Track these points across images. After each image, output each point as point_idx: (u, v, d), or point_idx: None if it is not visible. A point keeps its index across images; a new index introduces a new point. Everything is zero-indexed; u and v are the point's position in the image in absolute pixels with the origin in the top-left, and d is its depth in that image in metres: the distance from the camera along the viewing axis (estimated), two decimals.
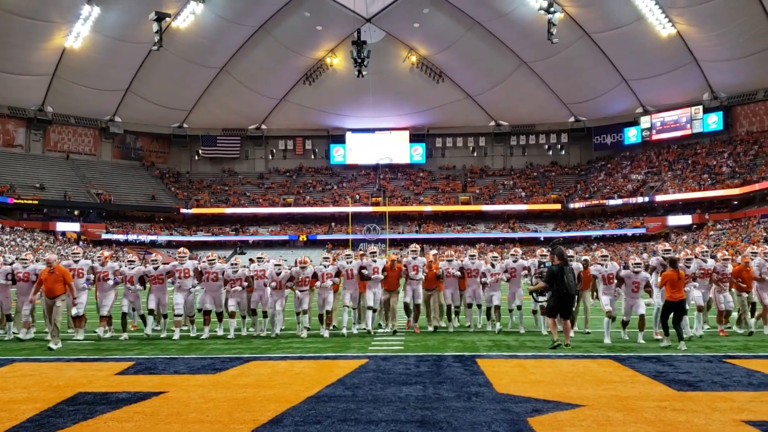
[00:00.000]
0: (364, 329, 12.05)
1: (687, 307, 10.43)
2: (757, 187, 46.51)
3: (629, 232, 54.46)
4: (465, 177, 66.71)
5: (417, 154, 67.99)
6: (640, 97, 58.20)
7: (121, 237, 56.55)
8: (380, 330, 12.18)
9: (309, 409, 5.97)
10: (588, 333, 11.63)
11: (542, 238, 56.37)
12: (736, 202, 50.27)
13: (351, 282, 11.87)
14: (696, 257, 11.59)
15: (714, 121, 55.52)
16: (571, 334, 10.18)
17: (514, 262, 12.25)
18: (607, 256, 11.61)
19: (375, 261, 12.07)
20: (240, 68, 58.32)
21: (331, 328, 11.84)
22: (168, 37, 48.87)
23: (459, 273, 12.25)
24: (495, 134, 66.81)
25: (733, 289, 11.87)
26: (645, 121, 60.06)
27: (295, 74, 61.41)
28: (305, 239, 59.19)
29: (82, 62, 52.03)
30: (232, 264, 12.12)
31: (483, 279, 12.16)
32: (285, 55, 57.74)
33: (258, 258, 12.47)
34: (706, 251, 12.02)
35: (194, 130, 66.22)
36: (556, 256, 10.02)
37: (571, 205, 59.31)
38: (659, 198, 53.69)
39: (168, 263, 12.47)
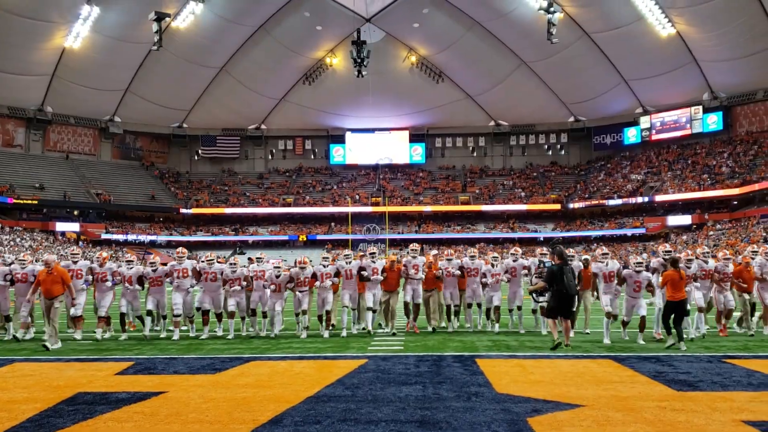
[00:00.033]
0: (364, 329, 12.05)
1: (688, 307, 10.42)
2: (756, 187, 46.54)
3: (629, 232, 54.48)
4: (465, 177, 66.71)
5: (417, 154, 68.00)
6: (639, 97, 58.21)
7: (120, 237, 56.53)
8: (380, 330, 12.17)
9: (309, 409, 5.97)
10: (587, 333, 11.61)
11: (542, 238, 56.37)
12: (735, 202, 50.30)
13: (350, 282, 11.84)
14: (697, 258, 11.53)
15: (714, 121, 55.54)
16: (571, 334, 10.15)
17: (514, 261, 12.23)
18: (607, 254, 11.54)
19: (374, 262, 12.03)
20: (240, 68, 58.31)
21: (331, 328, 11.83)
22: (167, 37, 48.86)
23: (459, 272, 12.21)
24: (495, 134, 66.82)
25: (734, 290, 11.83)
26: (645, 121, 60.07)
27: (295, 74, 61.41)
28: (305, 239, 59.19)
29: (82, 62, 52.02)
30: (231, 264, 12.10)
31: (483, 279, 12.12)
32: (285, 55, 57.73)
33: (257, 258, 12.46)
34: (708, 252, 11.97)
35: (194, 130, 66.21)
36: (555, 255, 9.97)
37: (571, 205, 59.33)
38: (659, 198, 53.71)
39: (166, 264, 12.44)
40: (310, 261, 12.34)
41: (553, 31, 44.45)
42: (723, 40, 47.08)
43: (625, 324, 10.97)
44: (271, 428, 5.37)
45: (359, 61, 47.88)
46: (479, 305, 12.35)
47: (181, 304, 11.74)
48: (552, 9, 43.92)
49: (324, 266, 11.83)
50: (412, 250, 12.40)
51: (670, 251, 10.97)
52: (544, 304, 10.84)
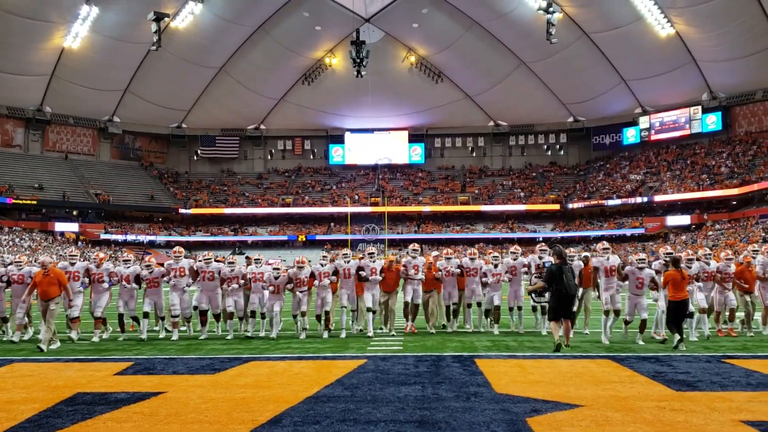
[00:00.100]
0: (361, 330, 12.03)
1: (691, 308, 10.40)
2: (755, 187, 46.58)
3: (628, 232, 54.49)
4: (464, 177, 66.72)
5: (416, 154, 68.01)
6: (639, 98, 58.24)
7: (119, 237, 56.50)
8: (379, 330, 12.16)
9: (308, 410, 5.97)
10: (587, 334, 11.59)
11: (541, 239, 56.34)
12: (734, 203, 50.33)
13: (348, 282, 11.79)
14: (699, 260, 11.47)
15: (713, 122, 55.58)
16: (571, 334, 10.14)
17: (514, 260, 12.18)
18: (609, 248, 11.41)
19: (373, 261, 11.97)
20: (239, 68, 58.30)
21: (330, 329, 11.82)
22: (167, 37, 48.82)
23: (458, 270, 12.18)
24: (494, 134, 66.84)
25: (736, 290, 11.79)
26: (644, 122, 60.11)
27: (294, 74, 61.41)
28: (304, 239, 59.18)
29: (81, 62, 52.00)
30: (229, 262, 12.07)
31: (484, 279, 12.05)
32: (284, 55, 57.73)
33: (255, 260, 12.40)
34: (709, 254, 11.88)
35: (193, 131, 66.20)
36: (555, 255, 9.94)
37: (570, 206, 59.36)
38: (658, 198, 53.74)
39: (163, 264, 12.37)
40: (309, 261, 12.30)
41: (552, 31, 44.44)
42: (722, 40, 47.12)
43: (626, 323, 10.92)
44: (270, 428, 5.37)
45: (358, 61, 47.85)
46: (479, 304, 12.27)
47: (179, 304, 11.72)
48: (551, 9, 43.91)
49: (322, 265, 11.81)
50: (413, 250, 12.34)
51: (671, 252, 10.90)
52: (545, 304, 10.81)
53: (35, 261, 13.89)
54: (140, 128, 64.35)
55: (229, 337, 11.58)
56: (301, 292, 11.70)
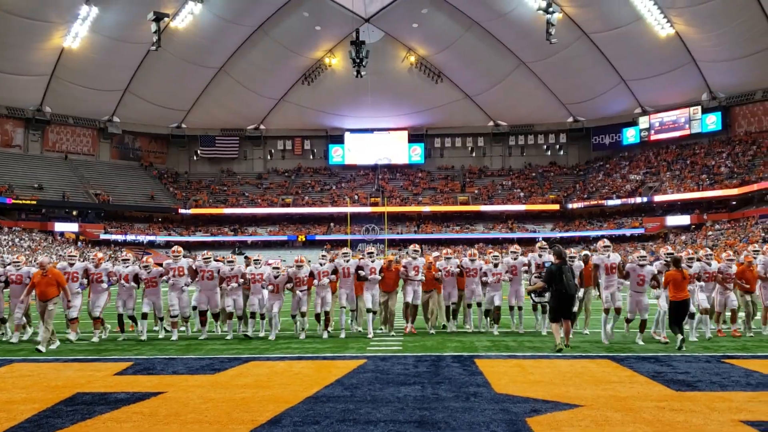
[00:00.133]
0: (362, 331, 12.02)
1: (693, 309, 10.37)
2: (755, 187, 46.59)
3: (628, 232, 54.50)
4: (463, 177, 66.74)
5: (415, 154, 68.02)
6: (638, 98, 58.26)
7: (119, 237, 56.49)
8: (379, 331, 12.15)
9: (307, 410, 5.97)
10: (586, 334, 11.58)
11: (540, 239, 56.32)
12: (734, 203, 50.35)
13: (347, 281, 11.73)
14: (700, 260, 11.43)
15: (712, 122, 55.60)
16: (570, 335, 10.12)
17: (514, 260, 12.14)
18: (609, 246, 11.27)
19: (373, 261, 11.93)
20: (238, 68, 58.31)
21: (330, 329, 11.81)
22: (166, 37, 48.81)
23: (457, 270, 12.14)
24: (493, 134, 66.85)
25: (737, 290, 11.77)
26: (643, 122, 60.13)
27: (294, 74, 61.41)
28: (304, 239, 59.19)
29: (81, 62, 52.00)
30: (228, 261, 12.05)
31: (484, 278, 12.00)
32: (283, 55, 57.74)
33: (255, 260, 12.36)
34: (710, 254, 11.83)
35: (193, 131, 66.20)
36: (554, 255, 9.91)
37: (570, 206, 59.38)
38: (658, 198, 53.76)
39: (161, 264, 12.32)
40: (308, 261, 12.27)
41: (552, 32, 44.46)
42: (722, 40, 47.14)
43: (628, 321, 10.86)
44: (270, 428, 5.37)
45: (358, 61, 47.85)
46: (479, 304, 12.22)
47: (177, 304, 11.70)
48: (551, 9, 43.93)
49: (321, 264, 11.78)
50: (414, 251, 12.29)
51: (672, 252, 10.85)
52: (545, 303, 10.77)
53: (34, 261, 13.87)
54: (140, 128, 64.36)
55: (228, 337, 11.57)
56: (301, 291, 11.66)
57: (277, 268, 11.83)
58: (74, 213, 56.75)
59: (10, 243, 45.97)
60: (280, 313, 11.86)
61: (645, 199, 54.62)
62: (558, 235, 56.45)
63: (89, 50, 50.99)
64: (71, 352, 10.07)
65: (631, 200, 55.59)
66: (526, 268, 12.04)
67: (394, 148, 67.76)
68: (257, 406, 6.12)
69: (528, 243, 52.88)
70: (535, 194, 62.05)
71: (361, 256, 12.31)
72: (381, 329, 12.14)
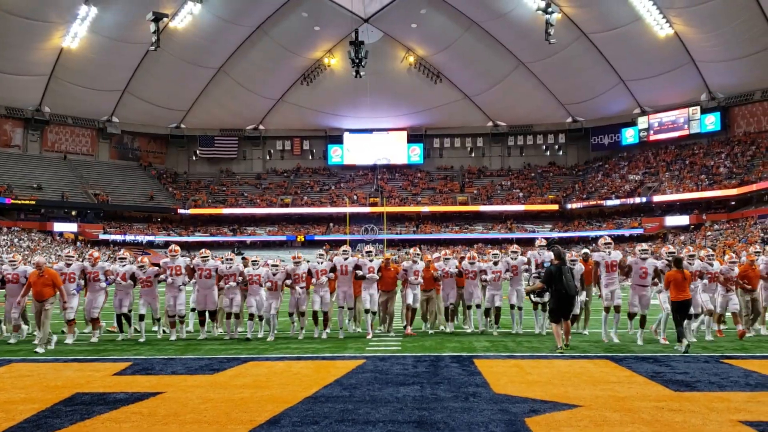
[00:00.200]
0: (360, 331, 12.00)
1: (697, 310, 10.34)
2: (754, 187, 46.63)
3: (627, 232, 54.50)
4: (463, 177, 66.76)
5: (415, 154, 68.04)
6: (637, 98, 58.30)
7: (118, 237, 56.45)
8: (378, 331, 12.14)
9: (306, 410, 5.97)
10: (586, 334, 11.56)
11: (540, 238, 56.34)
12: (733, 203, 50.38)
13: (345, 279, 11.63)
14: (701, 260, 11.39)
15: (711, 122, 55.65)
16: (570, 335, 10.10)
17: (514, 260, 12.11)
18: (610, 243, 11.20)
19: (371, 260, 11.86)
20: (238, 69, 58.32)
21: (328, 330, 11.79)
22: (165, 37, 48.81)
23: (455, 270, 12.12)
24: (493, 135, 66.87)
25: (739, 290, 11.75)
26: (642, 122, 60.17)
27: (293, 75, 61.43)
28: (303, 240, 59.15)
29: (80, 62, 51.99)
30: (226, 259, 12.02)
31: (484, 276, 11.94)
32: (282, 55, 57.75)
33: (253, 261, 12.27)
34: (712, 255, 11.78)
35: (192, 131, 66.20)
36: (553, 255, 9.89)
37: (569, 206, 59.41)
38: (657, 198, 53.79)
39: (158, 264, 12.25)
40: (308, 262, 12.23)
41: (551, 32, 44.50)
42: (721, 40, 47.18)
43: (631, 316, 10.69)
44: (269, 429, 5.37)
45: (357, 61, 47.89)
46: (478, 306, 12.16)
47: (174, 304, 11.66)
48: (550, 9, 43.98)
49: (319, 263, 11.73)
50: (415, 254, 12.25)
51: (674, 252, 10.81)
52: (545, 302, 10.74)
53: (31, 261, 13.85)
54: (139, 128, 64.34)
55: (226, 338, 11.56)
56: (300, 287, 11.58)
57: (276, 265, 11.78)
58: (73, 213, 56.74)
59: (9, 243, 45.94)
60: (278, 313, 11.83)
61: (644, 200, 54.66)
62: (557, 235, 56.42)
63: (88, 50, 50.98)
64: (70, 353, 10.06)
65: (630, 200, 55.63)
66: (526, 267, 12.00)
67: (393, 149, 67.79)
68: (256, 407, 6.12)
69: (527, 243, 52.80)
70: (534, 194, 62.07)
71: (360, 256, 12.27)
72: (380, 329, 12.14)
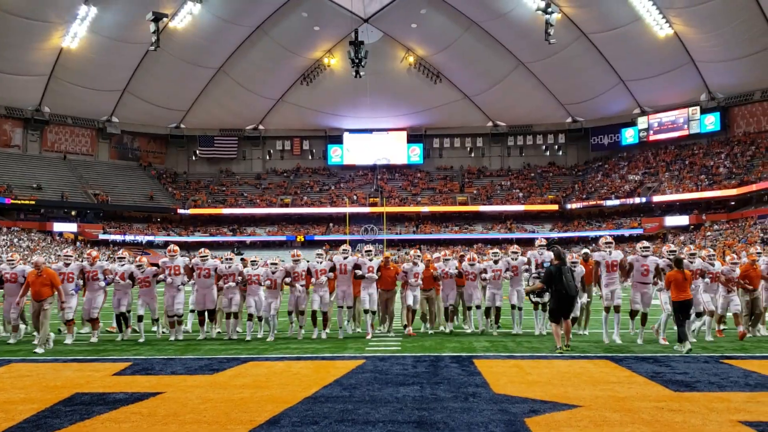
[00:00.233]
0: (359, 331, 11.99)
1: (698, 309, 10.34)
2: (754, 187, 46.62)
3: (626, 232, 54.46)
4: (462, 177, 66.76)
5: (414, 154, 68.03)
6: (637, 98, 58.30)
7: (118, 237, 56.43)
8: (377, 330, 12.13)
9: (306, 410, 5.97)
10: (585, 335, 11.56)
11: (540, 238, 56.30)
12: (733, 203, 50.38)
13: (344, 278, 11.60)
14: (702, 260, 11.38)
15: (711, 122, 55.65)
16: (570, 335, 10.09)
17: (514, 260, 12.09)
18: (611, 242, 11.17)
19: (371, 260, 11.84)
20: (237, 69, 58.31)
21: (328, 330, 11.78)
22: (165, 37, 48.78)
23: (455, 271, 12.11)
24: (492, 135, 66.86)
25: (739, 290, 11.74)
26: (642, 122, 60.17)
27: (293, 75, 61.42)
28: (303, 240, 59.12)
29: (79, 62, 51.97)
30: (226, 259, 11.99)
31: (484, 275, 11.91)
32: (282, 55, 57.75)
33: (252, 262, 12.24)
34: (713, 255, 11.77)
35: (191, 131, 66.17)
36: (553, 255, 9.88)
37: (569, 206, 59.40)
38: (656, 198, 53.79)
39: (156, 264, 12.22)
40: (307, 262, 12.22)
41: (550, 32, 44.49)
42: (721, 40, 47.18)
43: (633, 315, 10.66)
44: (268, 429, 5.37)
45: (357, 61, 47.89)
46: (478, 307, 12.13)
47: (173, 304, 11.65)
48: (550, 9, 43.97)
49: (319, 262, 11.70)
50: (416, 256, 12.23)
51: (675, 251, 10.79)
52: (546, 301, 10.72)
53: (29, 261, 13.83)
54: (139, 128, 64.32)
55: (225, 338, 11.55)
56: (300, 285, 11.54)
57: (275, 264, 11.76)
58: (73, 213, 56.70)
59: (9, 243, 45.92)
60: (277, 313, 11.81)
61: (644, 200, 54.66)
62: (557, 235, 56.42)
63: (88, 50, 50.96)
64: (70, 353, 10.06)
65: (630, 200, 55.63)
66: (526, 267, 11.98)
67: (392, 149, 67.78)
68: (256, 407, 6.12)
69: (527, 243, 52.83)
70: (533, 194, 62.08)
71: (359, 255, 12.25)
72: (380, 330, 12.13)
